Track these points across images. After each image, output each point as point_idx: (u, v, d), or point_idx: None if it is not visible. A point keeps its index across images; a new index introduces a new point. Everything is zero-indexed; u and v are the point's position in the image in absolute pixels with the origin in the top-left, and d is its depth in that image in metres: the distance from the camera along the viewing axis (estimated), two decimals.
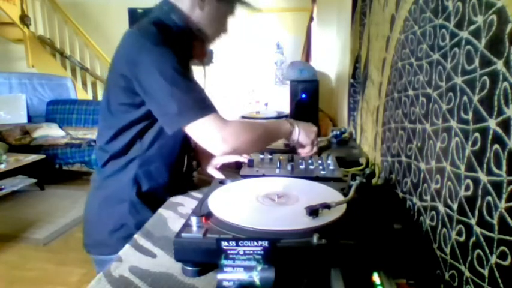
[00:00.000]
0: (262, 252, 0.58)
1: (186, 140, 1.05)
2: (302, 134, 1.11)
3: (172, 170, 1.05)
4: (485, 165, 0.47)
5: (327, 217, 0.68)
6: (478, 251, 0.49)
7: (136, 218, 0.99)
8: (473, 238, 0.50)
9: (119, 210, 1.00)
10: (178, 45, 0.93)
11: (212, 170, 1.17)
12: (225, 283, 0.59)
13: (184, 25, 0.99)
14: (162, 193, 1.05)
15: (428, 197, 0.70)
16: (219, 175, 1.14)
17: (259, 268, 0.58)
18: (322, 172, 1.04)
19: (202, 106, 0.90)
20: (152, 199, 1.02)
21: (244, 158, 1.17)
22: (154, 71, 0.87)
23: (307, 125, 1.16)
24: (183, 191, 1.11)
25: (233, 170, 1.21)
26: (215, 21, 1.03)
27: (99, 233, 1.03)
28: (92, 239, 1.06)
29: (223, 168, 1.19)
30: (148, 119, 0.97)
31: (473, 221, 0.51)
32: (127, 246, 0.78)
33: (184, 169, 1.12)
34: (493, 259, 0.45)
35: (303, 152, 1.18)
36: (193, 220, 0.67)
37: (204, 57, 1.11)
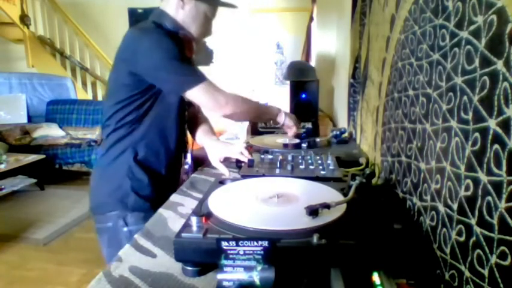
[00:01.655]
0: (262, 252, 0.58)
1: (177, 118, 1.22)
2: (287, 118, 1.40)
3: (165, 141, 1.21)
4: (485, 165, 0.47)
5: (327, 217, 0.68)
6: (478, 251, 0.49)
7: (132, 181, 1.17)
8: (473, 238, 0.50)
9: (118, 173, 1.17)
10: (172, 39, 1.12)
11: (216, 163, 1.27)
12: (225, 283, 0.59)
13: (174, 27, 1.17)
14: (157, 162, 1.21)
15: (428, 197, 0.70)
16: (223, 168, 1.24)
17: (259, 268, 0.58)
18: (322, 172, 1.04)
19: (199, 76, 1.13)
20: (148, 166, 1.19)
21: (244, 158, 1.18)
22: (153, 53, 1.08)
23: (290, 114, 1.45)
24: (176, 164, 1.29)
25: (233, 166, 1.23)
26: (197, 19, 1.20)
27: (100, 194, 1.21)
28: (94, 201, 1.22)
29: (226, 161, 1.28)
30: (143, 96, 1.14)
31: (473, 221, 0.51)
32: (127, 246, 0.78)
33: (177, 143, 1.26)
34: (493, 259, 0.45)
35: (290, 131, 1.45)
36: (193, 220, 0.67)
37: (194, 54, 1.26)
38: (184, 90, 1.12)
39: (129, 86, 1.12)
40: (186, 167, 1.38)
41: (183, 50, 1.17)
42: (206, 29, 1.25)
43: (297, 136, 1.49)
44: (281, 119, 1.39)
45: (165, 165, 1.23)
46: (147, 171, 1.18)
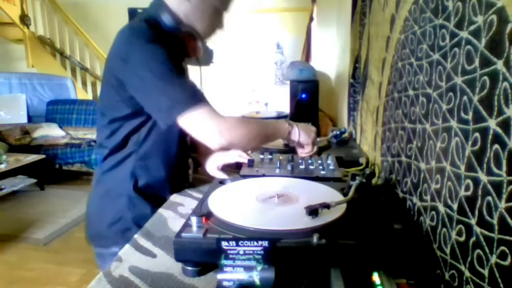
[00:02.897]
0: (262, 252, 0.58)
1: (181, 135, 1.05)
2: (302, 134, 1.11)
3: (168, 165, 1.06)
4: (485, 165, 0.47)
5: (327, 217, 0.68)
6: (478, 251, 0.49)
7: (133, 212, 1.02)
8: (473, 238, 0.50)
9: (117, 203, 1.02)
10: (170, 42, 0.94)
11: (214, 171, 1.15)
12: (225, 283, 0.59)
13: (174, 22, 0.99)
14: (159, 188, 1.06)
15: (428, 197, 0.70)
16: (222, 176, 1.12)
17: (259, 268, 0.58)
18: (322, 172, 1.04)
19: (193, 99, 0.91)
20: (150, 194, 1.04)
21: (244, 159, 1.17)
22: (144, 68, 0.89)
23: (307, 126, 1.15)
24: (180, 187, 1.12)
25: (233, 170, 1.21)
26: (204, 15, 1.02)
27: (99, 225, 1.06)
28: (93, 231, 1.09)
29: (225, 169, 1.17)
30: (142, 115, 0.98)
31: (473, 221, 0.51)
32: (127, 246, 0.78)
33: (181, 165, 1.13)
34: (493, 259, 0.45)
35: (303, 152, 1.18)
36: (193, 220, 0.67)
37: (199, 54, 1.09)
38: (174, 116, 0.90)
39: (122, 102, 0.96)
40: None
41: (181, 57, 1.03)
42: (215, 25, 1.06)
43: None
44: (295, 136, 1.10)
45: (169, 191, 1.08)
46: (149, 200, 1.03)
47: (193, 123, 0.92)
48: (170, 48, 0.92)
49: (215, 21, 1.06)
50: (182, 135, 1.05)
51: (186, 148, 1.14)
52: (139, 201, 1.02)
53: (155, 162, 1.03)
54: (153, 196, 1.04)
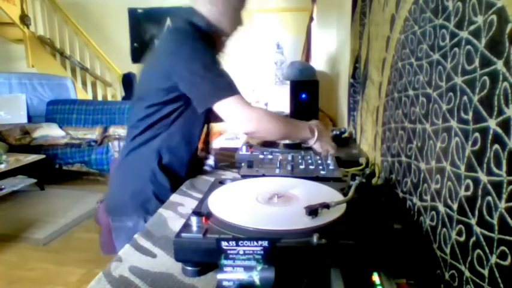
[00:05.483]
0: (262, 252, 0.58)
1: (203, 122, 1.23)
2: (317, 145, 1.25)
3: (189, 148, 1.21)
4: (485, 165, 0.47)
5: (326, 217, 0.68)
6: (478, 251, 0.49)
7: (155, 185, 1.15)
8: (473, 238, 0.50)
9: (140, 176, 1.16)
10: (207, 41, 1.13)
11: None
12: (225, 283, 0.58)
13: (206, 25, 1.16)
14: (179, 167, 1.19)
15: (428, 197, 0.70)
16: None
17: (259, 268, 0.58)
18: (322, 172, 1.04)
19: (231, 88, 1.09)
20: (171, 172, 1.17)
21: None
22: (192, 60, 1.08)
23: (327, 139, 1.28)
24: (195, 169, 1.27)
25: (234, 168, 1.23)
26: (230, 15, 1.20)
27: (120, 196, 1.19)
28: (113, 202, 1.22)
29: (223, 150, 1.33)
30: (178, 101, 1.13)
31: (473, 221, 0.51)
32: (127, 246, 0.78)
33: (198, 149, 1.26)
34: (493, 259, 0.45)
35: (320, 150, 1.27)
36: (193, 220, 0.67)
37: (223, 51, 1.27)
38: (213, 101, 1.07)
39: (164, 90, 1.11)
40: (207, 168, 1.35)
41: (216, 53, 1.18)
42: (237, 22, 1.23)
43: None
44: (311, 143, 1.25)
45: (185, 170, 1.21)
46: (169, 177, 1.16)
47: (228, 108, 1.08)
48: (209, 45, 1.12)
49: (237, 19, 1.24)
50: (203, 123, 1.22)
51: (201, 133, 1.28)
52: (161, 176, 1.15)
53: (179, 144, 1.17)
54: (173, 174, 1.17)
